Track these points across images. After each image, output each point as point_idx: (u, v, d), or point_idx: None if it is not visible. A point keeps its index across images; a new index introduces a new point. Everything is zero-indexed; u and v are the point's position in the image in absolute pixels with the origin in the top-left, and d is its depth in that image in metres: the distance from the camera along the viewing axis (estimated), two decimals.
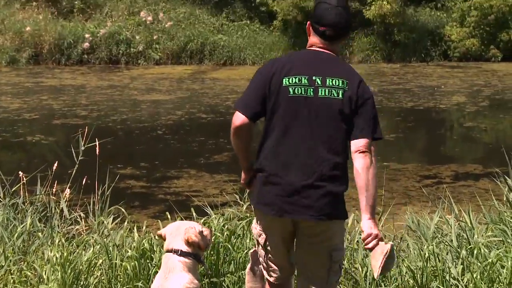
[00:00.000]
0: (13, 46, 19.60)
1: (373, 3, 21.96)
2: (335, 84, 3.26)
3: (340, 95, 3.25)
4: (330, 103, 3.25)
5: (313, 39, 3.39)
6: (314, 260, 3.36)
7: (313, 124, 3.25)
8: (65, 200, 5.38)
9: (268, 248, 3.45)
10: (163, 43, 20.72)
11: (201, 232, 3.47)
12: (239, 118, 3.29)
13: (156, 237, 3.50)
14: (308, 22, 3.43)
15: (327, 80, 3.26)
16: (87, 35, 20.17)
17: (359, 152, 3.25)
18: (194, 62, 20.75)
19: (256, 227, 3.51)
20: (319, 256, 3.34)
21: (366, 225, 3.26)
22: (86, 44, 20.05)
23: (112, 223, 5.18)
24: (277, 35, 21.91)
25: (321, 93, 3.25)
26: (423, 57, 22.47)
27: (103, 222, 5.12)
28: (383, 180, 8.23)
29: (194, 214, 5.11)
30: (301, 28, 21.61)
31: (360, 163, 3.24)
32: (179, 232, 3.44)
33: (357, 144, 3.26)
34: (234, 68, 20.10)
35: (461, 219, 4.92)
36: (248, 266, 3.77)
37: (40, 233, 5.00)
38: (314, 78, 3.27)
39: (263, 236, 3.45)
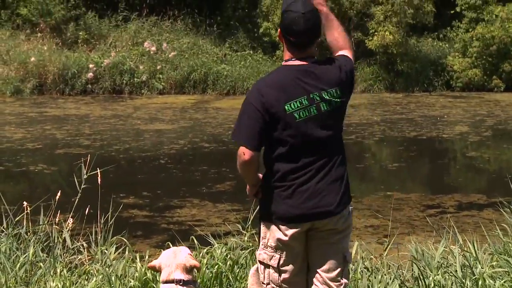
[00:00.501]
0: (18, 77, 19.71)
1: (376, 33, 22.11)
2: (332, 95, 3.40)
3: (339, 103, 3.42)
4: (333, 114, 3.42)
5: (289, 51, 3.43)
6: (329, 262, 3.45)
7: (323, 135, 3.39)
8: (67, 229, 5.36)
9: (284, 268, 3.45)
10: (167, 73, 20.83)
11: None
12: (246, 153, 3.37)
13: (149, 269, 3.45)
14: (279, 31, 3.48)
15: (324, 94, 3.38)
16: (91, 65, 20.28)
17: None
18: (197, 92, 20.83)
19: (265, 252, 3.48)
20: (333, 257, 3.46)
21: None
22: (90, 74, 20.16)
23: (114, 253, 5.16)
24: (280, 65, 22.00)
25: (324, 108, 3.39)
26: (426, 87, 22.54)
27: (105, 251, 5.10)
28: (387, 210, 8.22)
29: (196, 243, 5.08)
30: None
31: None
32: (176, 261, 3.41)
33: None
34: (237, 98, 20.16)
35: (465, 249, 4.89)
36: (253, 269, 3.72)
37: (42, 263, 4.98)
38: (312, 96, 3.37)
39: (276, 257, 3.45)
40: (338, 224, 3.45)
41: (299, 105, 3.34)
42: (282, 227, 3.42)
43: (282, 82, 3.39)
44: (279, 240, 3.43)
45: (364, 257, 5.07)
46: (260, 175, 3.53)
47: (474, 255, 4.75)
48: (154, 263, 3.47)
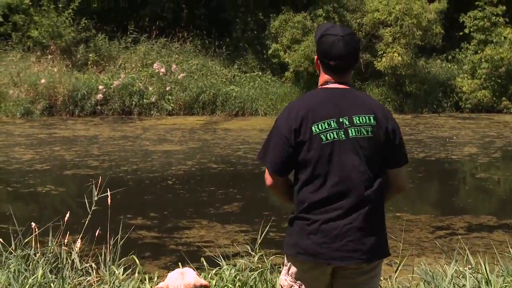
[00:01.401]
0: (28, 98, 19.83)
1: (384, 54, 22.16)
2: (363, 121, 3.25)
3: (370, 132, 3.25)
4: (362, 142, 3.24)
5: (325, 75, 3.34)
6: None
7: (351, 165, 3.23)
8: (76, 251, 5.36)
9: None
10: (176, 94, 20.91)
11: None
12: (269, 178, 3.33)
13: None
14: (316, 57, 3.39)
15: (354, 119, 3.25)
16: (100, 87, 20.39)
17: (400, 190, 3.46)
18: (206, 113, 20.88)
19: (286, 279, 3.42)
20: None
21: None
22: (99, 96, 20.26)
23: (123, 274, 5.15)
24: (289, 86, 22.08)
25: (352, 134, 3.24)
26: (435, 108, 22.53)
27: (114, 273, 5.09)
28: (396, 231, 8.17)
29: (205, 264, 5.07)
30: (313, 79, 21.78)
31: (393, 197, 3.50)
32: (185, 281, 3.39)
33: (397, 177, 3.39)
34: (246, 119, 20.20)
35: (476, 271, 4.85)
36: None
37: (51, 284, 4.97)
38: (341, 120, 3.24)
39: (295, 287, 3.36)
40: (365, 266, 3.29)
41: (327, 127, 3.23)
42: (303, 263, 3.30)
43: (313, 104, 3.28)
44: (299, 272, 3.34)
45: None
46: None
47: (486, 277, 4.71)
48: (161, 284, 3.45)
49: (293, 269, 3.37)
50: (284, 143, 3.25)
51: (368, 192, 3.24)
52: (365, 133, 3.24)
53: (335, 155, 3.23)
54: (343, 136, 3.23)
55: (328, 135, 3.23)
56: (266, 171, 3.34)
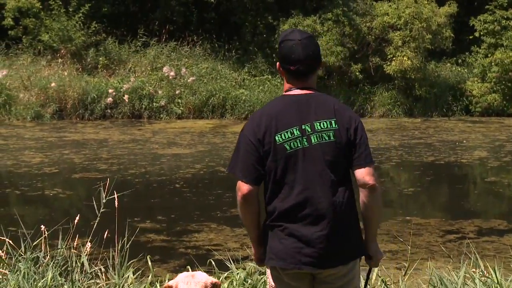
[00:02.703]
0: (38, 102, 19.90)
1: (394, 58, 22.12)
2: (324, 126, 3.23)
3: (332, 137, 3.23)
4: (325, 147, 3.22)
5: (288, 81, 3.32)
6: None
7: (314, 172, 3.21)
8: (86, 254, 5.37)
9: None
10: (185, 97, 20.94)
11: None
12: (243, 187, 3.26)
13: None
14: (278, 64, 3.36)
15: (315, 125, 3.23)
16: (110, 90, 20.45)
17: (368, 187, 3.23)
18: (216, 117, 20.91)
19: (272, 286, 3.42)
20: None
21: (379, 251, 3.44)
22: (109, 99, 20.31)
23: (133, 277, 5.15)
24: None
25: (314, 140, 3.22)
26: (445, 111, 22.47)
27: (123, 276, 5.10)
28: (406, 235, 8.14)
29: (215, 268, 5.07)
30: (322, 83, 21.77)
31: (370, 199, 3.24)
32: (195, 280, 3.38)
33: (362, 175, 3.24)
34: None
35: (487, 275, 4.83)
36: None
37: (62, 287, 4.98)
38: (303, 127, 3.23)
39: None
40: (341, 271, 3.28)
41: (289, 136, 3.22)
42: (279, 268, 3.28)
43: (275, 112, 3.26)
44: (277, 280, 3.33)
45: (385, 281, 5.02)
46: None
47: (496, 282, 4.69)
48: (171, 283, 3.45)
49: (272, 280, 3.37)
50: (253, 150, 3.23)
51: (334, 198, 3.22)
52: (327, 138, 3.23)
53: (300, 163, 3.22)
54: (306, 143, 3.22)
55: (292, 143, 3.22)
56: (238, 183, 3.28)
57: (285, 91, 3.35)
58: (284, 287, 3.33)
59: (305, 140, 3.22)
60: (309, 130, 3.22)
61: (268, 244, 3.30)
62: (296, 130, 3.22)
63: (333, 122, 3.24)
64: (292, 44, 3.25)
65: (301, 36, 3.27)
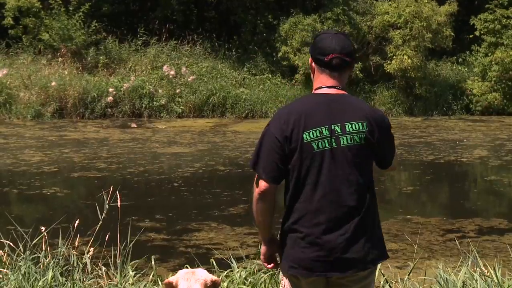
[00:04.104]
0: (39, 101, 19.89)
1: (394, 57, 22.11)
2: (355, 128, 3.18)
3: (363, 140, 3.18)
4: (354, 150, 3.18)
5: (320, 77, 3.26)
6: None
7: (341, 174, 3.16)
8: (88, 254, 5.37)
9: None
10: (186, 96, 20.94)
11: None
12: (262, 184, 3.17)
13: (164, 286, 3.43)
14: (310, 59, 3.31)
15: (346, 127, 3.17)
16: (111, 89, 20.45)
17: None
18: (216, 115, 20.90)
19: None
20: None
21: None
22: (109, 98, 20.31)
23: (134, 277, 5.15)
24: (299, 89, 22.07)
25: (343, 142, 3.17)
26: (445, 110, 22.46)
27: (125, 275, 5.10)
28: (406, 234, 8.15)
29: (215, 266, 5.07)
30: None
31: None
32: (196, 277, 3.39)
33: (387, 171, 3.44)
34: (255, 121, 20.20)
35: (487, 274, 4.83)
36: None
37: (62, 287, 4.98)
38: (333, 127, 3.16)
39: None
40: (359, 274, 3.24)
41: (318, 135, 3.15)
42: (298, 275, 3.23)
43: (305, 109, 3.19)
44: (295, 286, 3.29)
45: (388, 281, 5.03)
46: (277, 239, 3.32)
47: (496, 281, 4.69)
48: (171, 279, 3.45)
49: (287, 284, 3.32)
50: (278, 148, 3.16)
51: (359, 202, 3.18)
52: (358, 141, 3.18)
53: (326, 164, 3.16)
54: (334, 144, 3.16)
55: (319, 143, 3.16)
56: (257, 179, 3.20)
57: (315, 89, 3.28)
58: None
59: (333, 140, 3.15)
60: (339, 131, 3.16)
61: (288, 251, 3.23)
62: (325, 129, 3.15)
63: (364, 124, 3.18)
64: (328, 36, 3.25)
65: (336, 32, 3.32)
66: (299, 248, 3.19)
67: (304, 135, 3.15)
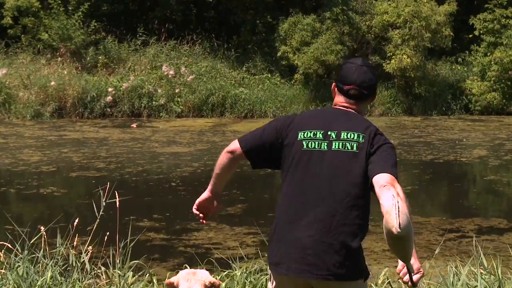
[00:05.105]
0: (38, 101, 19.89)
1: (393, 57, 22.11)
2: (350, 137, 3.18)
3: (355, 148, 3.16)
4: (344, 156, 3.16)
5: (338, 99, 3.36)
6: None
7: (326, 178, 3.14)
8: (86, 253, 5.36)
9: None
10: (185, 96, 20.93)
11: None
12: (232, 144, 3.38)
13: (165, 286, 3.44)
14: (333, 83, 3.43)
15: (342, 134, 3.20)
16: (110, 89, 20.44)
17: (383, 187, 2.94)
18: (215, 115, 20.90)
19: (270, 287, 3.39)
20: None
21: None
22: (109, 98, 20.31)
23: (133, 276, 5.14)
24: (298, 88, 22.07)
25: (335, 146, 3.18)
26: (444, 110, 22.46)
27: (123, 275, 5.09)
28: None
29: (216, 265, 5.06)
30: (322, 82, 21.77)
31: (387, 197, 2.82)
32: (196, 277, 3.39)
33: (380, 180, 3.00)
34: (255, 121, 20.19)
35: (490, 271, 4.82)
36: None
37: (59, 287, 4.97)
38: (329, 133, 3.22)
39: None
40: (336, 285, 3.10)
41: (311, 136, 3.22)
42: (274, 273, 3.23)
43: (310, 115, 3.43)
44: (276, 284, 3.27)
45: (390, 281, 5.02)
46: (221, 205, 3.51)
47: (499, 279, 4.68)
48: (172, 279, 3.46)
49: (273, 281, 3.31)
50: (273, 133, 3.30)
51: (338, 206, 3.10)
52: (349, 148, 3.16)
53: (312, 164, 3.17)
54: (325, 147, 3.19)
55: (310, 143, 3.22)
56: (232, 142, 3.39)
57: (333, 106, 3.42)
58: None
59: (325, 144, 3.21)
60: (334, 137, 3.21)
61: (269, 244, 3.28)
62: (319, 133, 3.23)
63: (361, 136, 3.18)
64: (352, 67, 3.33)
65: (363, 62, 3.35)
66: (273, 242, 3.23)
67: (299, 134, 3.25)
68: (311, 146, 3.21)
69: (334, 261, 3.06)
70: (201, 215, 3.55)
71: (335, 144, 3.18)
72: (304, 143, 3.22)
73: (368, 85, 3.30)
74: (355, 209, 3.11)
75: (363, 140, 3.16)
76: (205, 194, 3.54)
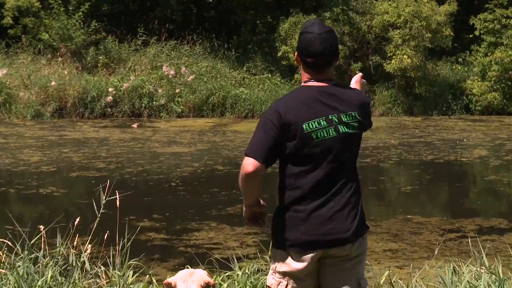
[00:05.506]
0: (38, 101, 19.88)
1: (394, 57, 22.11)
2: (350, 119, 3.39)
3: (356, 128, 3.41)
4: (351, 137, 3.40)
5: (307, 72, 3.42)
6: None
7: (339, 159, 3.37)
8: (86, 253, 5.36)
9: None
10: (185, 96, 20.93)
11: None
12: (251, 164, 3.29)
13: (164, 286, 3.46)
14: (296, 53, 3.47)
15: (343, 117, 3.38)
16: (110, 89, 20.44)
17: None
18: (216, 115, 20.90)
19: (273, 277, 3.44)
20: (347, 284, 3.39)
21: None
22: (109, 98, 20.31)
23: (132, 276, 5.14)
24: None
25: (342, 130, 3.37)
26: (445, 110, 22.46)
27: (123, 275, 5.09)
28: (406, 233, 8.14)
29: (217, 267, 5.06)
30: None
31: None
32: (192, 278, 3.42)
33: None
34: (255, 121, 20.14)
35: (492, 271, 4.82)
36: None
37: (59, 287, 4.96)
38: (330, 117, 3.36)
39: (283, 283, 3.39)
40: (351, 250, 3.40)
41: (317, 126, 3.33)
42: (294, 254, 3.36)
43: (301, 101, 3.38)
44: (288, 267, 3.38)
45: (391, 281, 5.01)
46: (262, 202, 3.47)
47: (499, 279, 4.68)
48: (170, 280, 3.49)
49: (280, 266, 3.41)
50: (274, 134, 3.31)
51: (349, 177, 3.41)
52: (353, 129, 3.40)
53: (326, 151, 3.34)
54: (334, 133, 3.36)
55: (319, 133, 3.34)
56: (245, 159, 3.30)
57: (304, 82, 3.45)
58: (294, 275, 3.37)
59: (332, 129, 3.36)
60: (336, 121, 3.36)
61: (284, 230, 3.36)
62: (323, 120, 3.35)
63: (356, 114, 3.41)
64: (311, 37, 3.36)
65: (320, 30, 3.37)
66: (294, 226, 3.34)
67: (304, 126, 3.32)
68: (321, 136, 3.34)
69: (356, 223, 3.42)
70: (258, 223, 3.57)
71: (341, 128, 3.37)
72: (313, 135, 3.32)
73: (330, 51, 3.38)
74: (356, 176, 3.47)
75: (359, 117, 3.42)
76: (247, 210, 3.52)
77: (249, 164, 3.28)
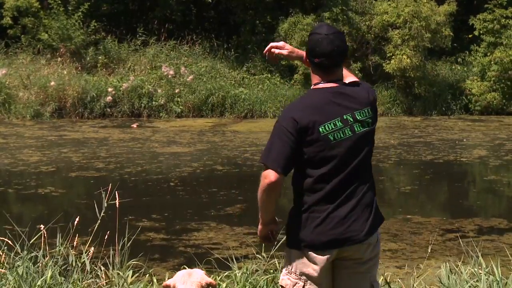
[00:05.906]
0: (38, 101, 19.88)
1: (393, 57, 22.11)
2: (363, 116, 3.46)
3: (370, 124, 3.49)
4: (367, 134, 3.47)
5: (316, 74, 3.46)
6: None
7: (356, 159, 3.42)
8: (87, 253, 5.36)
9: None
10: (185, 96, 20.93)
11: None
12: (272, 175, 3.32)
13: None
14: (304, 55, 3.52)
15: (356, 115, 3.43)
16: (110, 89, 20.43)
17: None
18: (215, 115, 20.89)
19: (289, 278, 3.44)
20: (361, 286, 3.46)
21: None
22: (109, 98, 20.30)
23: (132, 276, 5.14)
24: (298, 89, 22.05)
25: (358, 129, 3.43)
26: (444, 110, 22.47)
27: (123, 275, 5.08)
28: (406, 233, 8.14)
29: (216, 267, 5.05)
30: None
31: None
32: (192, 279, 3.40)
33: None
34: (254, 121, 20.20)
35: (490, 272, 4.82)
36: None
37: (59, 287, 4.96)
38: (345, 117, 3.40)
39: (300, 284, 3.41)
40: (366, 253, 3.45)
41: (333, 127, 3.37)
42: (310, 255, 3.38)
43: (315, 104, 3.40)
44: (304, 268, 3.40)
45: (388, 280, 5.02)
46: (276, 218, 3.50)
47: (498, 280, 4.68)
48: (169, 282, 3.47)
49: (296, 267, 3.42)
50: (291, 142, 3.34)
51: (365, 177, 3.47)
52: (367, 126, 3.47)
53: (344, 152, 3.39)
54: (350, 133, 3.40)
55: (335, 134, 3.38)
56: (266, 171, 3.33)
57: (314, 84, 3.48)
58: (312, 276, 3.40)
59: (348, 129, 3.40)
60: (351, 120, 3.41)
61: (300, 232, 3.39)
62: (338, 121, 3.39)
63: (369, 109, 3.49)
64: (318, 38, 3.40)
65: (328, 31, 3.42)
66: (311, 227, 3.37)
67: (320, 129, 3.36)
68: (338, 137, 3.38)
69: (371, 221, 3.48)
70: (270, 241, 3.61)
71: (357, 126, 3.43)
72: (330, 136, 3.36)
73: (338, 52, 3.40)
74: (371, 173, 3.54)
75: (371, 113, 3.50)
76: (262, 228, 3.55)
77: (270, 175, 3.32)
